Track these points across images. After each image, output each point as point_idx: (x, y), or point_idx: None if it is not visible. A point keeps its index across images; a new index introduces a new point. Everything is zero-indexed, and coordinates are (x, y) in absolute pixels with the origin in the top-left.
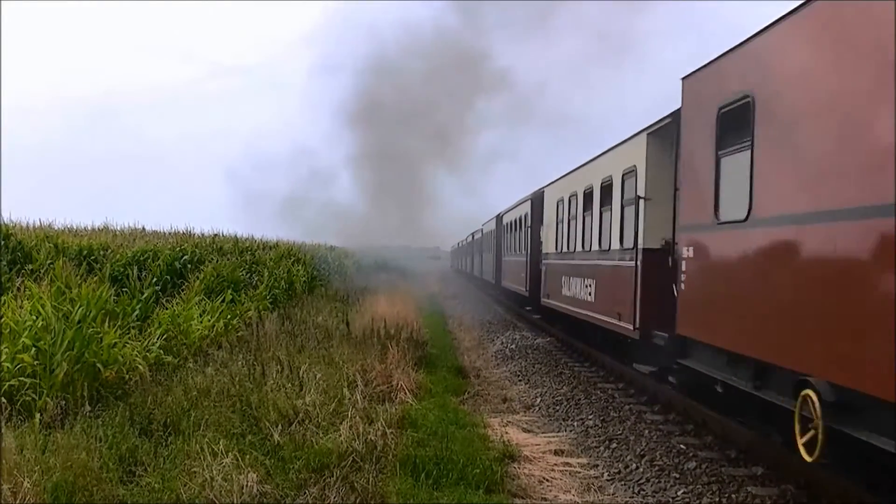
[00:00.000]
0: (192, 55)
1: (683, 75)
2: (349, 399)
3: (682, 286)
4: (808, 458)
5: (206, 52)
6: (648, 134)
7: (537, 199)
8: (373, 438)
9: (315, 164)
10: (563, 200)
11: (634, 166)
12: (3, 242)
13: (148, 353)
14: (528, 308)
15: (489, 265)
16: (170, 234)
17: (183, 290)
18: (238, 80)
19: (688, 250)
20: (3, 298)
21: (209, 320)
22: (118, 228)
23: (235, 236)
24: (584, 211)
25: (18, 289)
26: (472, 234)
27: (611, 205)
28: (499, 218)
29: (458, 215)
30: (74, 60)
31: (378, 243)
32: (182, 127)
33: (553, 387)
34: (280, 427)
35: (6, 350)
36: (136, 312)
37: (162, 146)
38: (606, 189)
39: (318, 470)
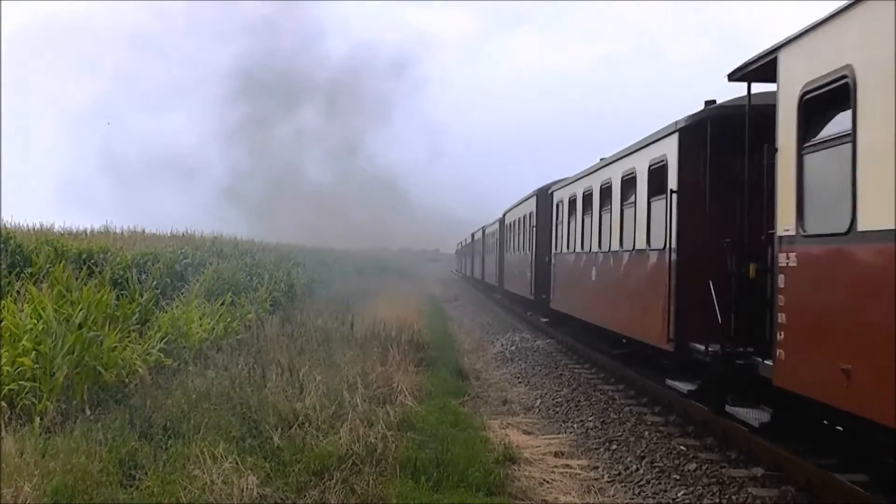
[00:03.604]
0: None
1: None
2: (349, 401)
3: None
4: None
5: None
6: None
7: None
8: (373, 441)
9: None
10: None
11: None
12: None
13: (148, 356)
14: (530, 313)
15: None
16: (169, 236)
17: (183, 293)
18: None
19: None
20: (2, 302)
21: (209, 323)
22: (118, 231)
23: (235, 238)
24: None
25: (18, 292)
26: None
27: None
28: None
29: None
30: None
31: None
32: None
33: (553, 388)
34: (280, 430)
35: (6, 353)
36: (137, 315)
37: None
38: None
39: (318, 473)
